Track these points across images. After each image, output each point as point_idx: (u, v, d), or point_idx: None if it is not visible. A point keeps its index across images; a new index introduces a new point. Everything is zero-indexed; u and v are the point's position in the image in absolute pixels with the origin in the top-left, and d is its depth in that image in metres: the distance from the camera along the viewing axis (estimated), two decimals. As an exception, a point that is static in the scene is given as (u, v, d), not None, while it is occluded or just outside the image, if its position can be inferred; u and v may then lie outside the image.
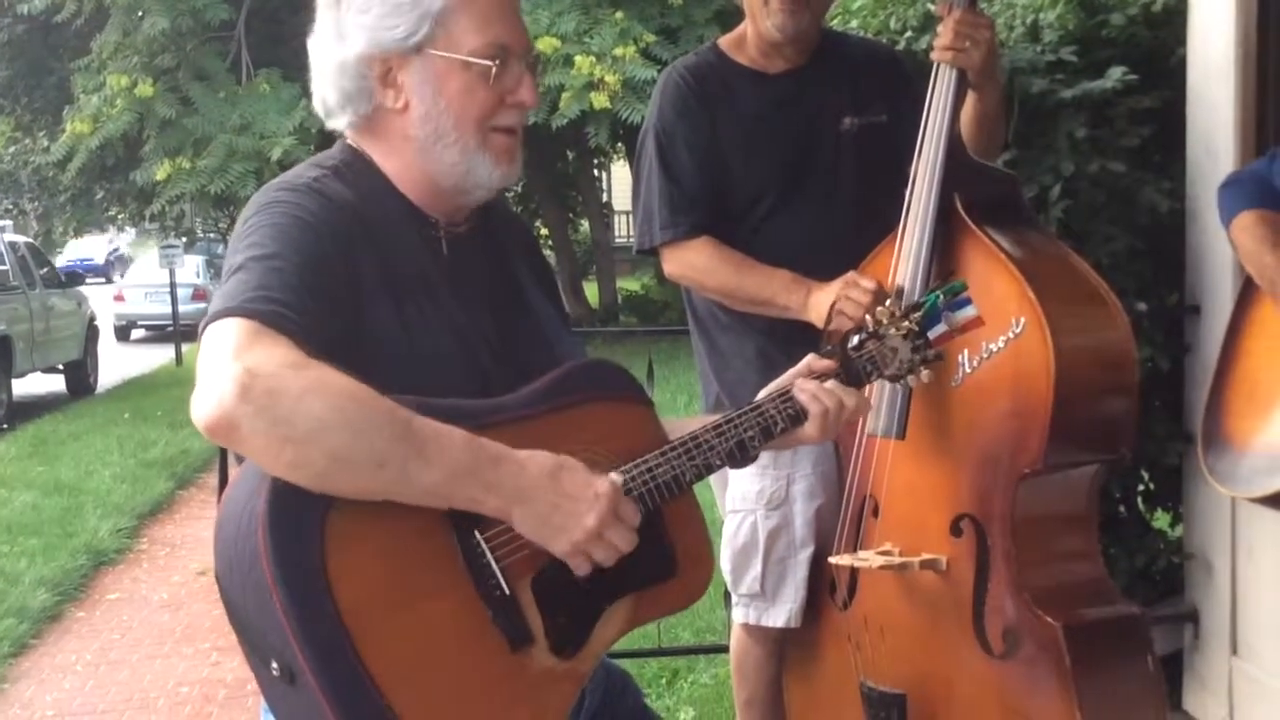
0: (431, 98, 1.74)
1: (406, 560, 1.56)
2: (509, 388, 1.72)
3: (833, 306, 2.63)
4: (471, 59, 1.73)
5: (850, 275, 2.64)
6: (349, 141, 1.81)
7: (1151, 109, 3.82)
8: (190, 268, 20.17)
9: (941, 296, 2.05)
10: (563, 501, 1.60)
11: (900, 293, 2.55)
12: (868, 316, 2.04)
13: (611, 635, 1.72)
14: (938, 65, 2.72)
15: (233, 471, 1.64)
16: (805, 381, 1.90)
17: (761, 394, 1.91)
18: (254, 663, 1.59)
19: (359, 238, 1.68)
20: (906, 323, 2.02)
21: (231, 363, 1.47)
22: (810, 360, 1.95)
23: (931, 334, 2.04)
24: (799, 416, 1.87)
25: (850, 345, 1.98)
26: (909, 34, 3.97)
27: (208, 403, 1.47)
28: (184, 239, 19.40)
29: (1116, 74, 3.76)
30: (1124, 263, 3.76)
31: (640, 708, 1.94)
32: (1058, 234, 3.49)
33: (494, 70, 1.74)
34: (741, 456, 1.83)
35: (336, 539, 1.50)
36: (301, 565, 1.48)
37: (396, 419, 1.52)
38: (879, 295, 2.54)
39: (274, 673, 1.53)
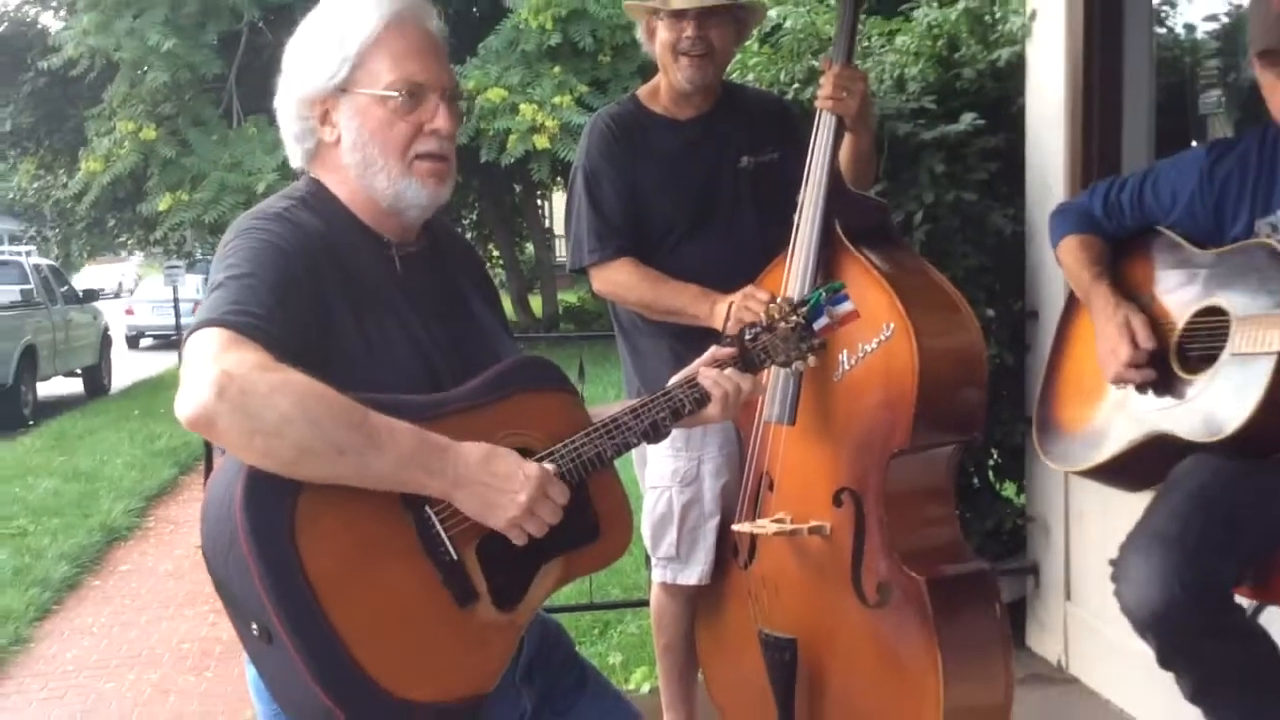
0: (357, 130, 1.72)
1: (366, 534, 1.54)
2: (456, 385, 1.70)
3: (730, 310, 2.63)
4: (385, 93, 1.71)
5: (748, 288, 2.65)
6: (311, 175, 1.79)
7: (997, 148, 3.87)
8: (191, 285, 19.80)
9: (824, 294, 2.05)
10: (498, 483, 1.59)
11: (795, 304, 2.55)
12: (762, 313, 2.04)
13: (546, 590, 1.71)
14: (820, 112, 2.71)
15: (217, 461, 1.61)
16: (708, 369, 1.90)
17: (672, 381, 1.91)
18: (237, 625, 1.57)
19: (324, 259, 1.66)
20: (794, 316, 2.02)
21: (210, 366, 1.46)
22: (713, 351, 1.95)
23: (816, 325, 2.04)
24: (704, 399, 1.88)
25: (746, 337, 1.98)
26: (796, 85, 3.99)
27: (189, 401, 1.47)
28: (185, 260, 19.13)
29: (968, 119, 3.80)
30: (975, 276, 3.79)
31: (571, 653, 1.92)
32: (921, 253, 3.52)
33: (404, 102, 1.71)
34: (655, 434, 1.83)
35: (305, 518, 1.49)
36: (274, 542, 1.47)
37: (354, 414, 1.51)
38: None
39: (254, 633, 1.51)
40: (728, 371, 1.91)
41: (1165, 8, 3.99)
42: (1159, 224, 2.36)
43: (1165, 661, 2.10)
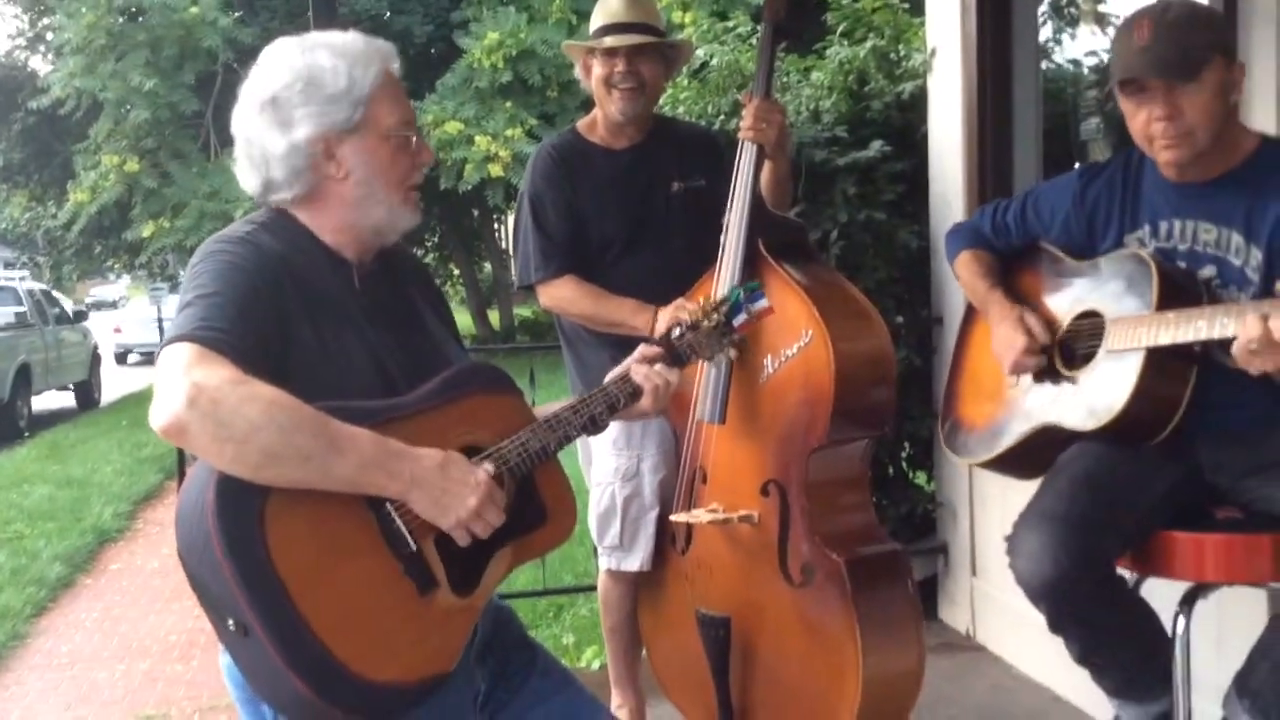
0: (365, 166, 1.71)
1: (332, 531, 1.53)
2: (410, 390, 1.69)
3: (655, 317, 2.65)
4: (395, 133, 1.73)
5: (679, 300, 2.65)
6: (273, 205, 1.75)
7: (904, 172, 3.89)
8: (174, 305, 19.47)
9: (742, 292, 2.07)
10: (450, 486, 1.58)
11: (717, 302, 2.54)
12: (684, 313, 2.06)
13: (500, 574, 1.70)
14: (742, 141, 2.72)
15: (189, 471, 1.58)
16: (639, 365, 1.92)
17: (607, 378, 1.92)
18: (214, 621, 1.54)
19: (283, 277, 1.63)
20: (716, 315, 2.04)
21: (181, 378, 1.45)
22: (643, 349, 1.97)
23: (735, 322, 2.06)
24: (636, 393, 1.90)
25: (674, 335, 2.00)
26: (721, 117, 4.00)
27: (163, 411, 1.45)
28: (168, 282, 18.85)
29: (877, 146, 3.83)
30: (886, 287, 3.81)
31: (522, 635, 1.90)
32: (836, 266, 3.54)
33: (407, 141, 1.75)
34: (594, 427, 1.85)
35: (274, 519, 1.47)
36: (246, 543, 1.45)
37: (317, 422, 1.50)
38: None
39: (231, 628, 1.49)
40: (657, 367, 1.93)
41: (1051, 44, 4.05)
42: (1041, 240, 2.39)
43: (1055, 627, 2.12)
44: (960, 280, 2.50)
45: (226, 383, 1.45)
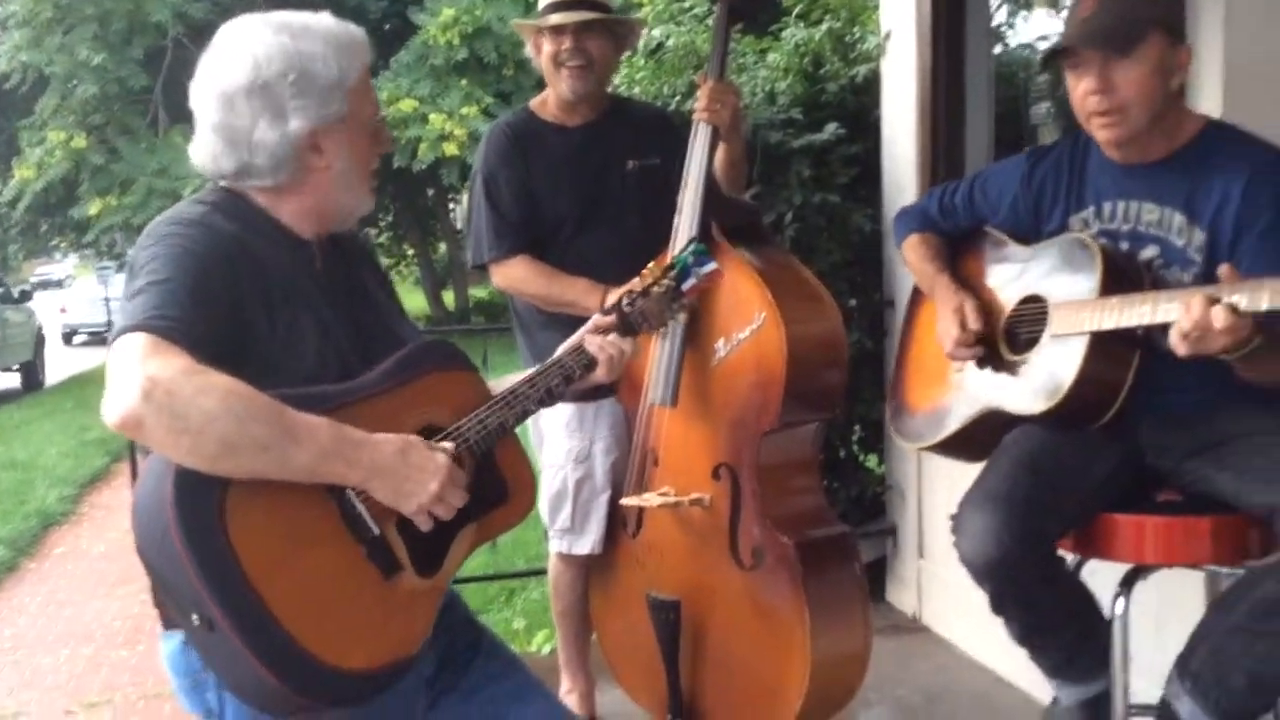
0: (346, 157, 1.70)
1: (293, 520, 1.51)
2: (365, 368, 1.67)
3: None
4: (372, 123, 1.73)
5: (634, 281, 2.63)
6: (224, 185, 1.71)
7: (858, 155, 3.89)
8: (121, 284, 19.20)
9: (690, 256, 2.08)
10: (412, 473, 1.57)
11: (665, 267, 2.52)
12: (636, 279, 2.06)
13: (463, 554, 1.70)
14: (697, 122, 2.71)
15: (142, 464, 1.55)
16: (593, 336, 1.93)
17: (560, 349, 1.93)
18: (176, 615, 1.52)
19: (238, 260, 1.59)
20: (666, 280, 2.04)
21: (136, 370, 1.40)
22: (596, 319, 1.98)
23: (684, 286, 2.07)
24: (591, 364, 1.91)
25: (624, 304, 2.00)
26: (677, 98, 3.98)
27: (117, 405, 1.41)
28: (116, 261, 18.53)
29: (831, 129, 3.83)
30: (839, 270, 3.81)
31: (468, 616, 1.89)
32: (790, 249, 3.54)
33: (380, 130, 1.75)
34: (550, 399, 1.85)
35: (234, 511, 1.44)
36: (207, 536, 1.42)
37: (275, 412, 1.47)
38: None
39: (195, 622, 1.46)
40: (610, 337, 1.94)
41: (1003, 28, 4.07)
42: (988, 222, 2.40)
43: (997, 607, 2.14)
44: (908, 263, 2.50)
45: (181, 374, 1.41)
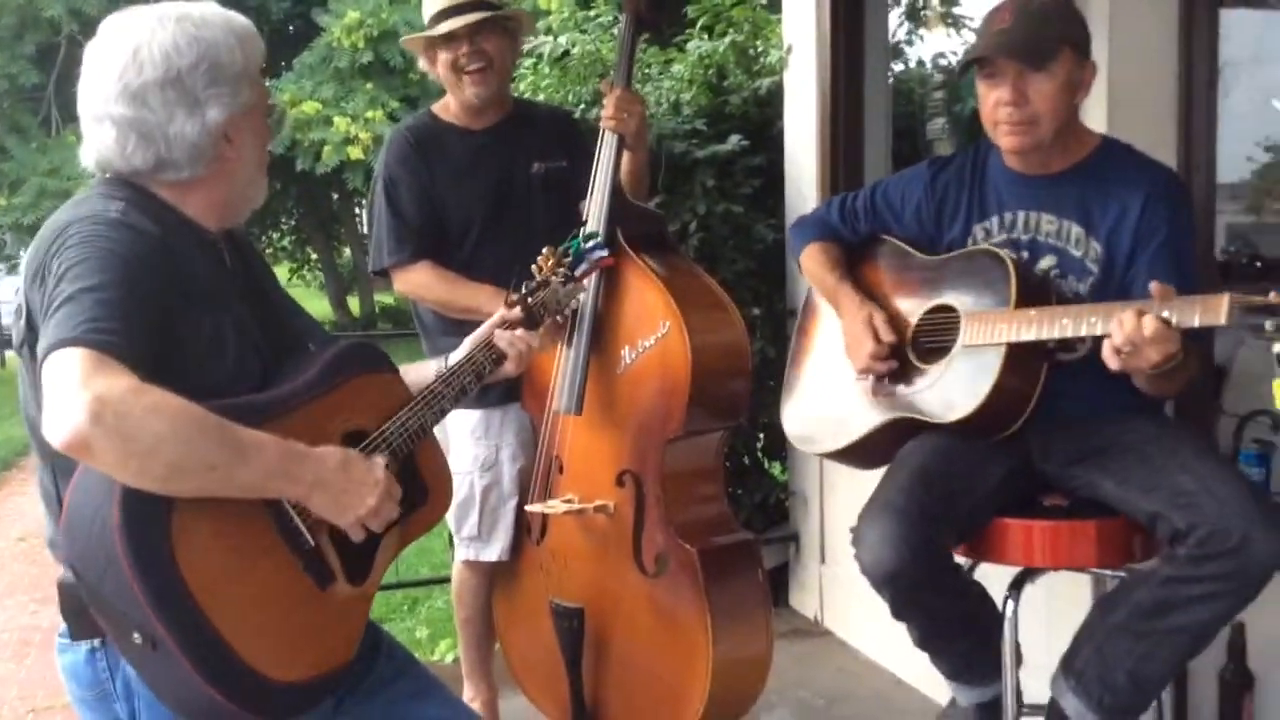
0: (253, 146, 1.69)
1: (234, 537, 1.50)
2: (277, 367, 1.66)
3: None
4: (270, 112, 1.73)
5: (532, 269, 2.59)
6: (126, 179, 1.64)
7: (761, 166, 3.94)
8: (10, 287, 18.44)
9: (582, 241, 2.14)
10: (350, 486, 1.57)
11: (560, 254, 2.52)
12: (533, 267, 2.11)
13: (389, 558, 1.72)
14: (603, 130, 2.71)
15: (62, 476, 1.52)
16: (501, 332, 1.98)
17: (467, 343, 1.96)
18: (115, 634, 1.49)
19: (161, 262, 1.54)
20: (561, 269, 2.11)
21: (80, 391, 1.34)
22: (503, 314, 2.02)
23: (577, 272, 2.15)
24: (500, 358, 1.96)
25: (528, 295, 2.05)
26: (582, 106, 3.98)
27: (64, 426, 1.34)
28: (5, 263, 17.78)
29: (735, 140, 3.87)
30: (743, 279, 3.85)
31: (369, 623, 1.86)
32: (695, 258, 3.56)
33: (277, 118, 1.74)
34: (465, 397, 1.89)
35: (180, 533, 1.43)
36: (156, 561, 1.41)
37: (223, 431, 1.44)
38: None
39: (137, 641, 1.44)
40: (518, 332, 1.99)
41: (902, 46, 4.16)
42: (890, 229, 2.43)
43: (897, 614, 2.18)
44: (806, 272, 2.52)
45: (129, 393, 1.36)
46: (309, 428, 1.58)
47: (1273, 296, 1.71)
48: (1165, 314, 1.82)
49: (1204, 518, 1.92)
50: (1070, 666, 2.11)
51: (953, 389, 2.17)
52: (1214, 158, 2.66)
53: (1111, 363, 1.87)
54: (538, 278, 2.08)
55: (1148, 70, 2.63)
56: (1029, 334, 2.04)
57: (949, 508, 2.13)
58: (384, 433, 1.69)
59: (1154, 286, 1.88)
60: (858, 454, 2.39)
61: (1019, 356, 2.06)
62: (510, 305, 2.02)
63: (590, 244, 2.14)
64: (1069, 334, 1.98)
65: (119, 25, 1.63)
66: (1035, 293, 2.12)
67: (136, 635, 1.43)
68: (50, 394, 1.37)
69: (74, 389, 1.35)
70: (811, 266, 2.49)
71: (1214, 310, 1.77)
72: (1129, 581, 2.09)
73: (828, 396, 2.44)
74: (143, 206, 1.60)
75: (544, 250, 2.14)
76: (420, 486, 1.76)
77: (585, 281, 2.20)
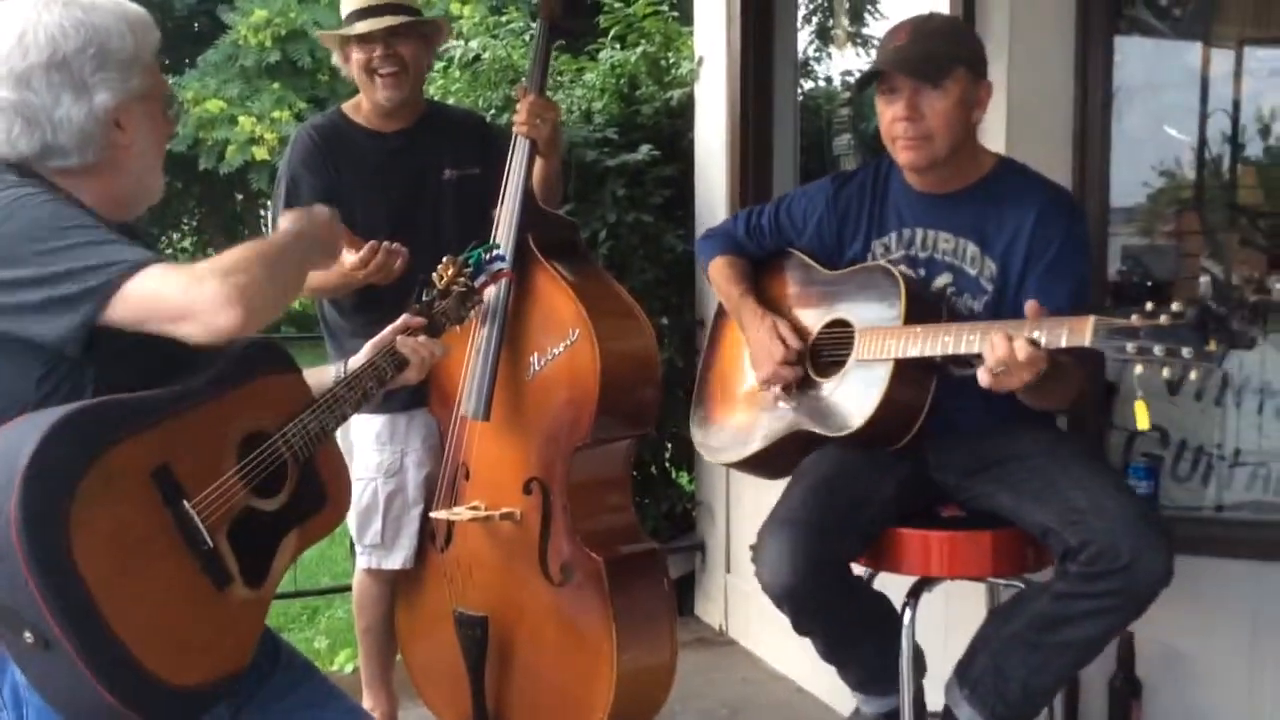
0: (146, 135, 1.65)
1: (134, 536, 1.47)
2: (174, 366, 1.61)
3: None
4: (166, 100, 1.69)
5: (433, 277, 2.54)
6: (18, 166, 1.59)
7: (671, 176, 3.94)
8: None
9: (483, 252, 2.18)
10: (332, 238, 1.81)
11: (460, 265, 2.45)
12: (434, 275, 2.13)
13: (286, 562, 1.69)
14: (515, 136, 2.69)
15: None
16: (404, 339, 1.97)
17: (367, 348, 1.95)
18: (5, 633, 1.43)
19: None
20: (461, 278, 2.13)
21: (199, 287, 1.46)
22: (405, 319, 2.01)
23: (477, 284, 2.17)
24: (403, 364, 1.95)
25: (430, 302, 2.07)
26: (493, 112, 3.95)
27: (224, 315, 1.46)
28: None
29: (646, 150, 3.87)
30: (652, 288, 3.85)
31: (268, 631, 1.82)
32: (605, 266, 3.56)
33: (172, 108, 1.71)
34: (367, 401, 1.89)
35: (78, 528, 1.39)
36: (52, 557, 1.37)
37: (281, 251, 1.63)
38: None
39: (28, 640, 1.39)
40: (420, 338, 1.99)
41: (810, 62, 4.21)
42: (793, 244, 2.46)
43: (798, 628, 2.20)
44: (714, 284, 2.55)
45: (209, 272, 1.47)
46: (211, 427, 1.57)
47: (1135, 319, 1.74)
48: (1034, 335, 1.86)
49: (1094, 536, 1.97)
50: (965, 675, 2.15)
51: (845, 402, 2.20)
52: (1108, 180, 2.74)
53: (984, 381, 1.90)
54: (438, 286, 2.10)
55: (1045, 93, 2.70)
56: (914, 350, 2.07)
57: (846, 520, 2.16)
58: (285, 434, 1.67)
59: (1027, 306, 1.92)
60: (760, 464, 2.41)
61: (907, 371, 2.10)
62: (413, 313, 2.03)
63: (490, 255, 2.17)
64: (949, 351, 2.00)
65: (4, 11, 1.59)
66: (926, 309, 2.15)
67: (28, 634, 1.39)
68: (171, 304, 1.45)
69: (186, 287, 1.44)
70: (718, 280, 2.51)
71: (1080, 332, 1.80)
72: (1023, 593, 2.14)
73: (732, 407, 2.46)
74: (42, 188, 1.57)
75: (445, 259, 2.15)
76: (319, 490, 1.74)
77: (485, 293, 2.22)
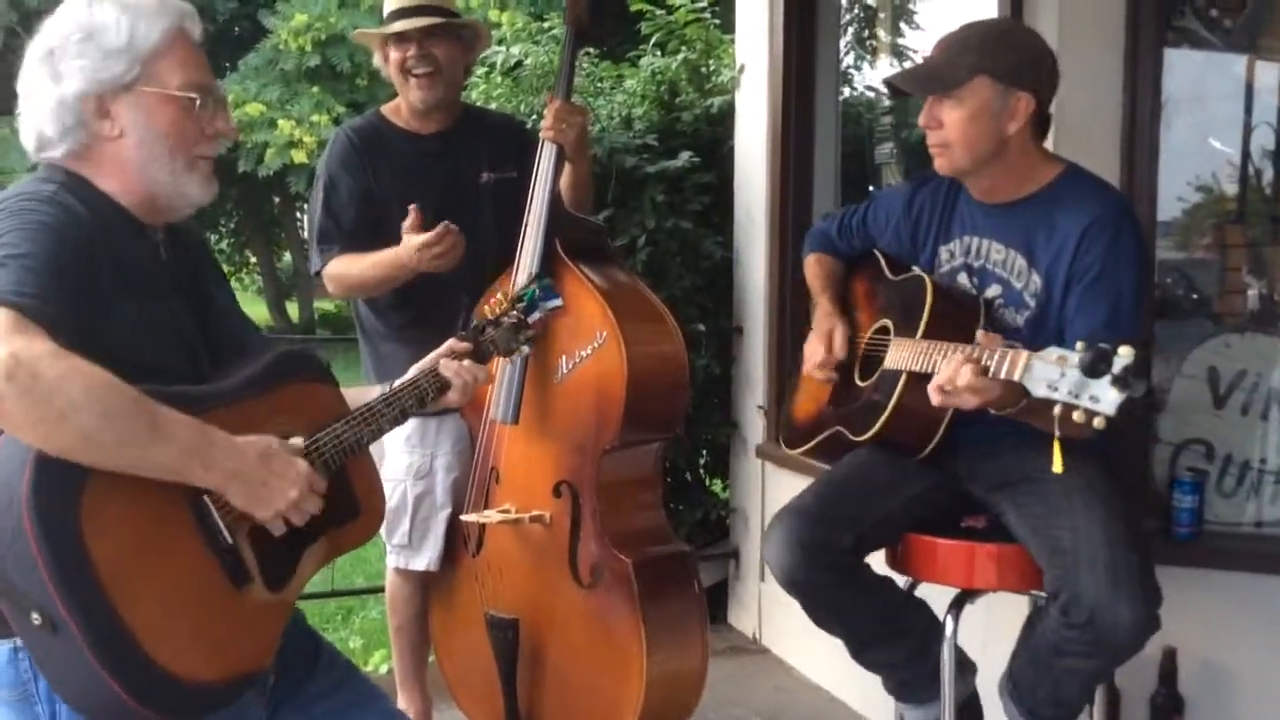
0: (142, 126, 1.65)
1: (149, 523, 1.48)
2: (213, 368, 1.67)
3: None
4: (179, 94, 1.67)
5: (484, 308, 2.55)
6: (60, 165, 1.66)
7: (711, 183, 3.99)
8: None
9: (537, 289, 2.23)
10: (271, 478, 1.56)
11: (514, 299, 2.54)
12: (486, 307, 2.16)
13: (312, 569, 1.71)
14: (543, 141, 2.75)
15: None
16: (449, 361, 1.97)
17: (413, 370, 1.96)
18: (14, 616, 1.46)
19: (95, 244, 1.56)
20: (515, 312, 2.16)
21: None
22: (451, 343, 2.03)
23: (531, 319, 2.19)
24: (445, 387, 1.95)
25: (479, 329, 2.10)
26: (534, 117, 4.00)
27: None
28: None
29: (686, 157, 3.92)
30: (690, 295, 3.90)
31: (305, 626, 1.88)
32: (642, 273, 3.61)
33: (196, 105, 1.69)
34: (404, 419, 1.89)
35: (90, 511, 1.41)
36: (62, 536, 1.39)
37: (139, 405, 1.44)
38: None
39: (36, 622, 1.41)
40: (465, 362, 1.99)
41: (851, 70, 4.25)
42: (876, 245, 2.51)
43: (812, 617, 2.27)
44: (806, 280, 2.61)
45: (47, 356, 1.38)
46: (241, 426, 1.57)
47: (1057, 358, 1.73)
48: (986, 361, 1.87)
49: (1067, 585, 2.01)
50: (1010, 672, 2.21)
51: (868, 410, 2.26)
52: (1155, 192, 2.75)
53: (934, 399, 1.93)
54: (490, 316, 2.14)
55: (1093, 104, 2.71)
56: (914, 364, 2.12)
57: (853, 512, 2.22)
58: (316, 441, 1.68)
59: (979, 334, 1.95)
60: (820, 455, 2.49)
61: (920, 385, 2.06)
62: (460, 339, 2.06)
63: (545, 293, 2.25)
64: (930, 370, 2.01)
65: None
66: (950, 321, 2.17)
67: (35, 615, 1.41)
68: None
69: None
70: (808, 277, 2.60)
71: (1015, 365, 1.81)
72: (1037, 612, 2.18)
73: (808, 402, 2.53)
74: (74, 189, 1.63)
75: (498, 294, 2.22)
76: (350, 501, 1.76)
77: (538, 327, 2.25)
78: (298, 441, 1.64)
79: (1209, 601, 2.64)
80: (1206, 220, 2.94)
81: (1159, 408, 2.85)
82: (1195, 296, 3.08)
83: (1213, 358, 2.84)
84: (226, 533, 1.55)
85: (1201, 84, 2.90)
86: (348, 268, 2.81)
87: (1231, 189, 2.92)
